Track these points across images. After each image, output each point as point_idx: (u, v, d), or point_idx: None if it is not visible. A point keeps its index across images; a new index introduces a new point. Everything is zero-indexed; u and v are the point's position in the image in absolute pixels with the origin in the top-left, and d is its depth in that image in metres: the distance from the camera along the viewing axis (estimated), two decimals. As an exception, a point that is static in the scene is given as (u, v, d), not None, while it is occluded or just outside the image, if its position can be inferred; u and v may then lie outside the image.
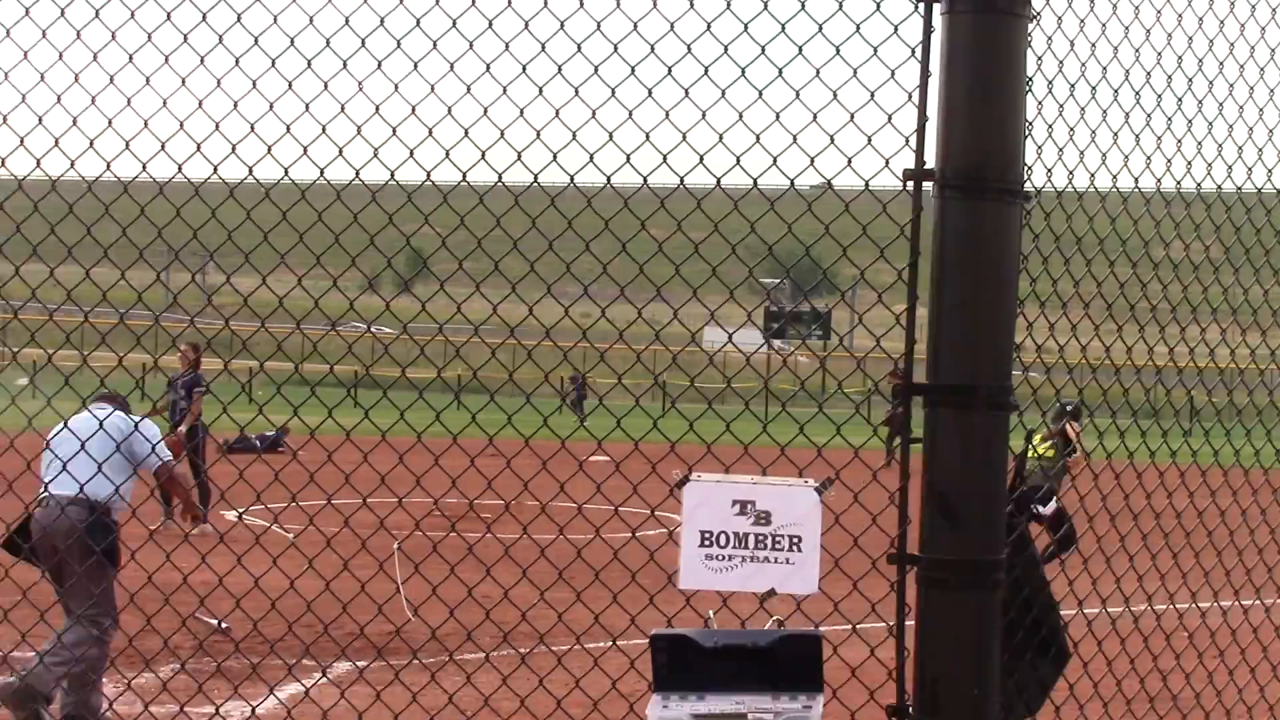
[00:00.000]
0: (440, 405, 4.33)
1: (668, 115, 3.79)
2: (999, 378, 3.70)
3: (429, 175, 4.01)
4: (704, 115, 3.87)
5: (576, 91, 3.82)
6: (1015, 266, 3.72)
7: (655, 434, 4.34)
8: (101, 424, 7.63)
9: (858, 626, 4.23)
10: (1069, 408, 16.75)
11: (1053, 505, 16.73)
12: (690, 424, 4.18)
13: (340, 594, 4.92)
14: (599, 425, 4.15)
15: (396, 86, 3.94)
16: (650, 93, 3.79)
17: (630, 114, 3.81)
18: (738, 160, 3.79)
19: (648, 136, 3.85)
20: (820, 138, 3.74)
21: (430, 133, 3.92)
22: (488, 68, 3.78)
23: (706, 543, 3.93)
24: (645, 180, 3.82)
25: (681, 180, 3.77)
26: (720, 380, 4.22)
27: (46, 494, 8.24)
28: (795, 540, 3.92)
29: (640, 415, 4.53)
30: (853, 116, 3.73)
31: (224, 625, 10.05)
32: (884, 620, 4.07)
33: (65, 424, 7.86)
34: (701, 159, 3.85)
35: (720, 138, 3.78)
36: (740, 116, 3.74)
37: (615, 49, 3.77)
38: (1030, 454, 17.51)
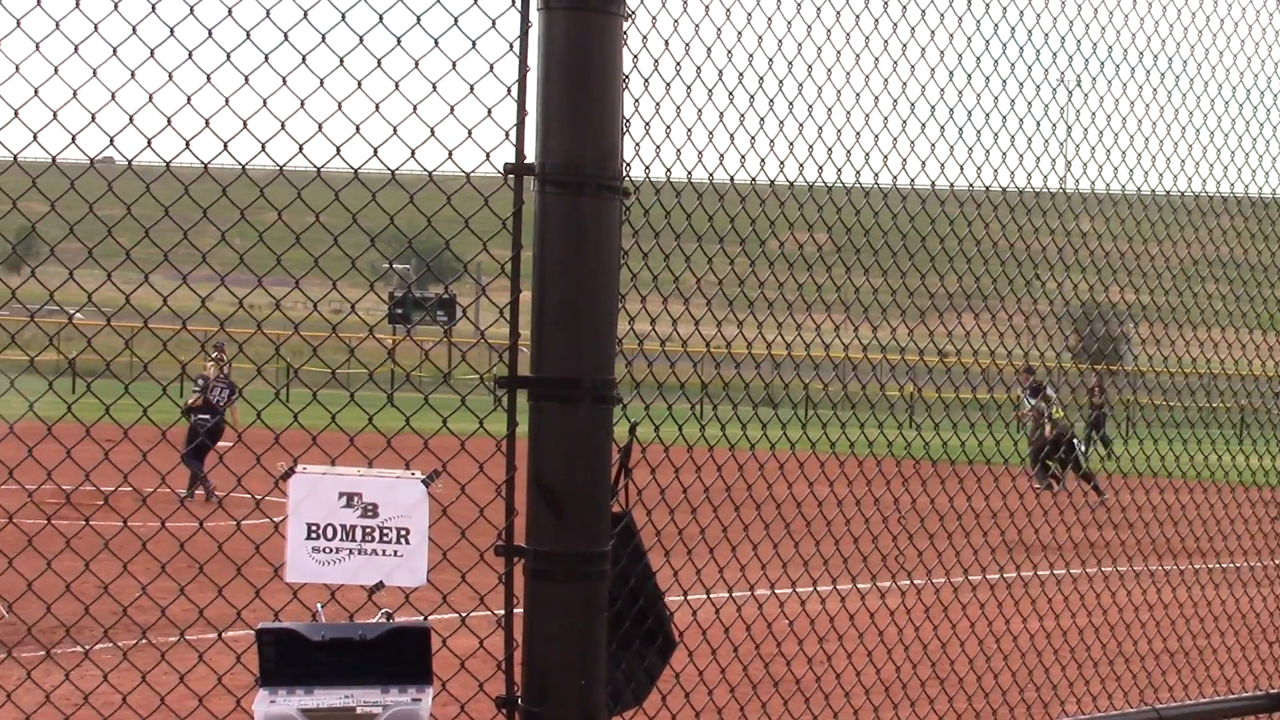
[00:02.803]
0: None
1: (265, 103, 3.69)
2: (602, 371, 3.75)
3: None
4: (302, 104, 3.80)
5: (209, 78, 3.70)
6: (616, 261, 3.77)
7: (287, 422, 4.23)
8: None
9: (466, 618, 4.23)
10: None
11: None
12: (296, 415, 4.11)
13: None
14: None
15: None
16: (251, 79, 3.67)
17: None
18: (338, 150, 3.73)
19: (282, 123, 3.74)
20: (421, 129, 3.70)
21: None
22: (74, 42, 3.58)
23: (313, 535, 3.87)
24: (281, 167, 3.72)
25: (311, 168, 3.69)
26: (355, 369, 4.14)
27: None
28: (403, 532, 3.89)
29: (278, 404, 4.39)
30: (453, 109, 3.71)
31: None
32: (493, 612, 4.08)
33: None
34: (275, 146, 3.75)
35: (320, 127, 3.71)
36: (340, 106, 3.68)
37: (210, 34, 3.65)
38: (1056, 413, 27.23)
